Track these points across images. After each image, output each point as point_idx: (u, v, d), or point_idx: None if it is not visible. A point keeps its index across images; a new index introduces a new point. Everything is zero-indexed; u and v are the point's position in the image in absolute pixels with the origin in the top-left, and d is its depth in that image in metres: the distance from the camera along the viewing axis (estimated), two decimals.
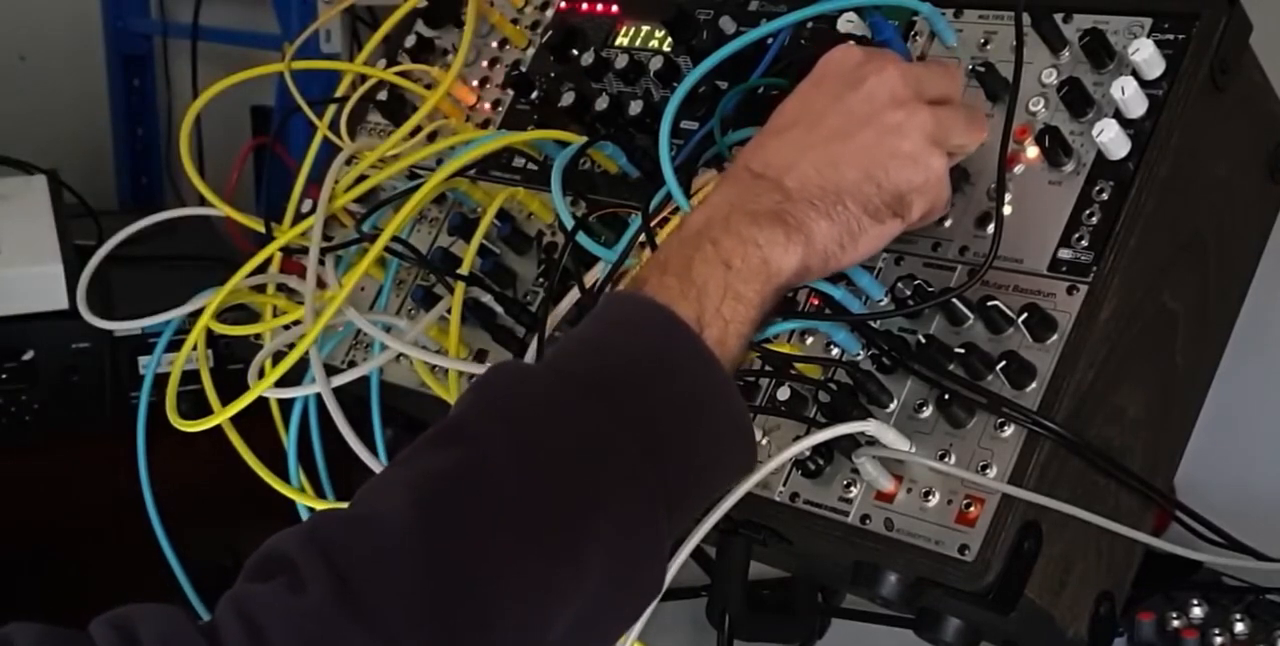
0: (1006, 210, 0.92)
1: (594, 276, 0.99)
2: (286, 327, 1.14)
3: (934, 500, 0.87)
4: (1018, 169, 0.94)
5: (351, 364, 1.16)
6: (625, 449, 0.78)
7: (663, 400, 0.80)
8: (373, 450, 1.08)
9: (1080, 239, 0.90)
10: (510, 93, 1.21)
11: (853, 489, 0.90)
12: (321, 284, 1.12)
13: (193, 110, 1.23)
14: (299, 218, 1.21)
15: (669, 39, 1.12)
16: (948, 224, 0.95)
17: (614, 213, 1.03)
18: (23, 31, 2.52)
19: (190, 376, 1.14)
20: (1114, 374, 0.89)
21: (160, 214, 1.29)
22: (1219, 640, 1.31)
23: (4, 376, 1.65)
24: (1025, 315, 0.87)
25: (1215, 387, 0.99)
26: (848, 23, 0.99)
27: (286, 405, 1.14)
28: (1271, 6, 0.99)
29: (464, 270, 1.09)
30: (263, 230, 1.20)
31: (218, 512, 1.61)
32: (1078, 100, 0.92)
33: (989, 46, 0.98)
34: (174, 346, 1.21)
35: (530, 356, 0.99)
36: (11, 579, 1.62)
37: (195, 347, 1.15)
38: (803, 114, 0.90)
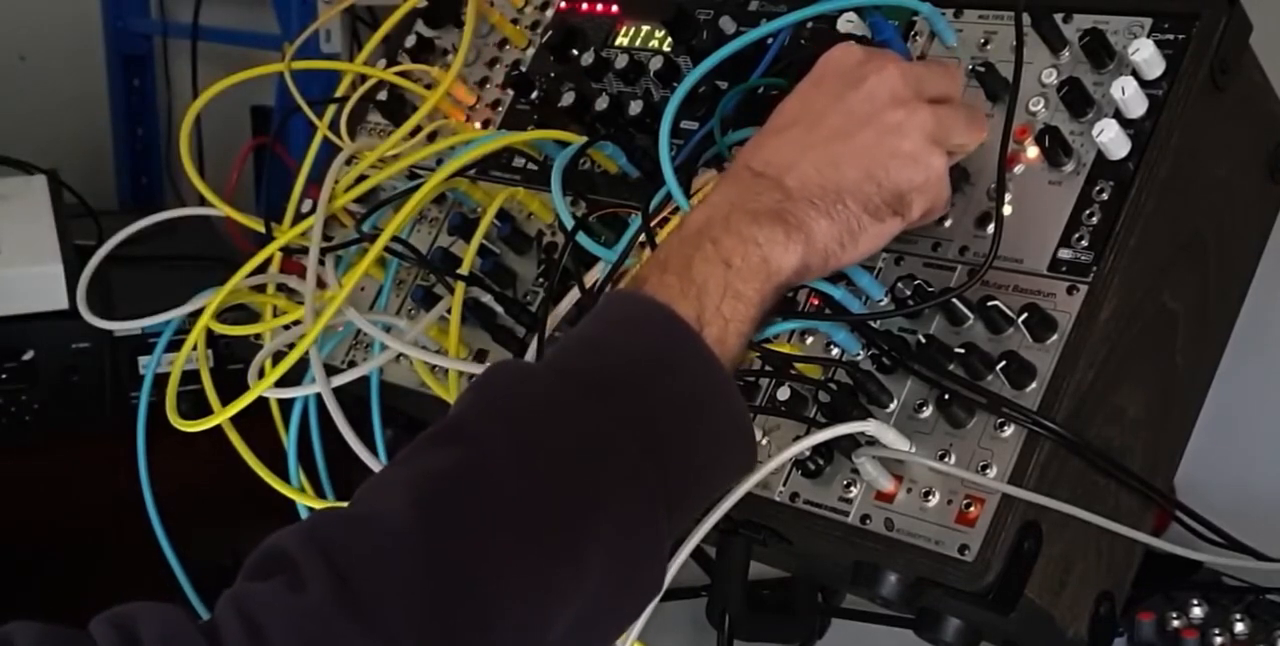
0: (1006, 210, 0.92)
1: (594, 276, 0.99)
2: (286, 327, 1.14)
3: (934, 500, 0.87)
4: (1018, 169, 0.94)
5: (351, 364, 1.16)
6: (625, 448, 0.78)
7: (663, 399, 0.81)
8: (373, 450, 1.08)
9: (1080, 239, 0.90)
10: (510, 93, 1.21)
11: (853, 489, 0.90)
12: (321, 284, 1.12)
13: (193, 110, 1.23)
14: (299, 218, 1.21)
15: (669, 39, 1.12)
16: (948, 224, 0.95)
17: (614, 213, 1.03)
18: (23, 31, 2.52)
19: (190, 376, 1.14)
20: (1114, 374, 0.89)
21: (160, 214, 1.29)
22: (1219, 640, 1.31)
23: (4, 376, 1.65)
24: (1025, 315, 0.87)
25: (1215, 387, 0.99)
26: (848, 23, 0.99)
27: (286, 405, 1.14)
28: (1271, 6, 0.99)
29: (464, 270, 1.09)
30: (263, 230, 1.20)
31: (218, 512, 1.61)
32: (1078, 100, 0.92)
33: (989, 46, 0.98)
34: (174, 346, 1.21)
35: (530, 356, 0.99)
36: (11, 579, 1.62)
37: (195, 347, 1.15)
38: (803, 113, 0.90)
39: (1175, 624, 1.34)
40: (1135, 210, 0.89)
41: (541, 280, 1.10)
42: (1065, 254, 0.90)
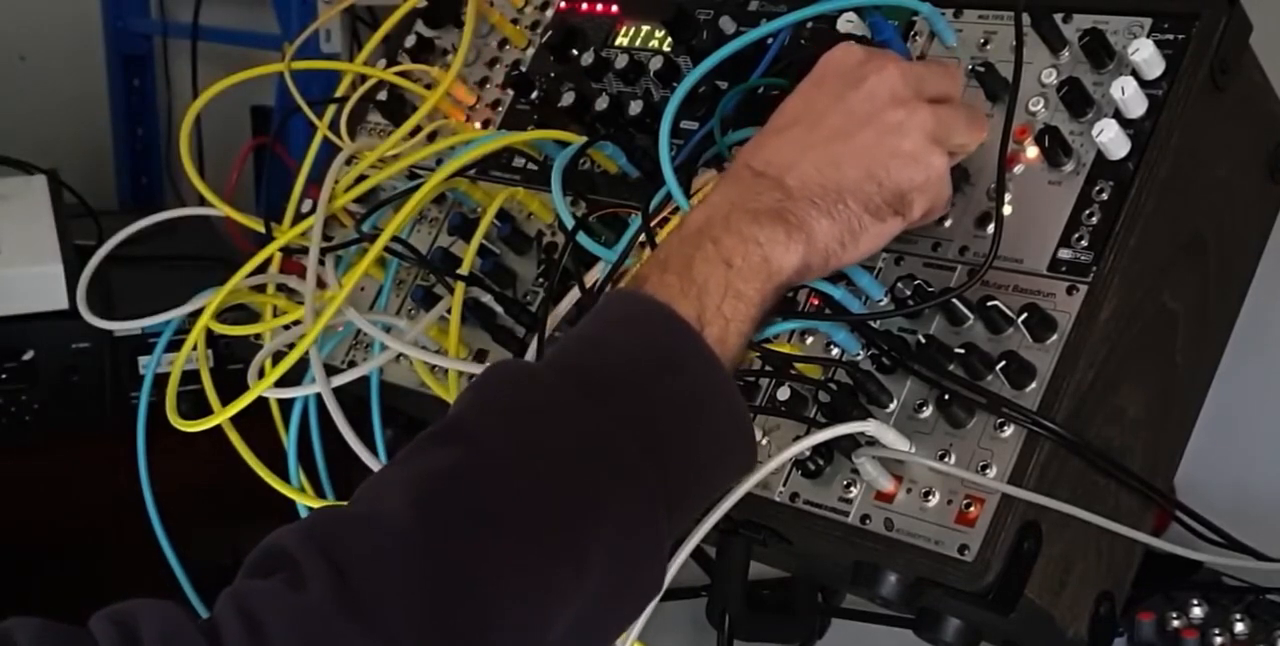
0: (1006, 210, 0.92)
1: (594, 276, 0.99)
2: (286, 327, 1.14)
3: (934, 500, 0.87)
4: (1018, 169, 0.94)
5: (351, 364, 1.16)
6: (625, 447, 0.78)
7: (663, 398, 0.80)
8: (373, 450, 1.08)
9: (1080, 239, 0.90)
10: (510, 93, 1.21)
11: (853, 489, 0.90)
12: (321, 284, 1.12)
13: (193, 110, 1.23)
14: (299, 218, 1.21)
15: (669, 39, 1.12)
16: (948, 224, 0.95)
17: (614, 213, 1.03)
18: (23, 31, 2.52)
19: (190, 376, 1.14)
20: (1114, 374, 0.89)
21: (160, 214, 1.29)
22: (1219, 640, 1.31)
23: (4, 376, 1.65)
24: (1025, 315, 0.87)
25: (1215, 387, 0.99)
26: (847, 23, 0.99)
27: (286, 405, 1.14)
28: (1271, 6, 0.99)
29: (464, 270, 1.09)
30: (263, 230, 1.20)
31: (218, 512, 1.61)
32: (1077, 100, 0.92)
33: (989, 46, 0.98)
34: (174, 346, 1.21)
35: (530, 356, 0.99)
36: (11, 579, 1.62)
37: (195, 347, 1.15)
38: (804, 113, 0.90)
39: (1175, 624, 1.34)
40: (1135, 210, 0.89)
41: (541, 280, 1.10)
42: (1065, 254, 0.90)
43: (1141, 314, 0.90)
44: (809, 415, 0.92)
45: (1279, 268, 1.04)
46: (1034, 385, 0.87)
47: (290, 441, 1.13)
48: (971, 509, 0.86)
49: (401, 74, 1.24)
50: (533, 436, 0.78)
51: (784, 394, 0.93)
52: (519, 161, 1.17)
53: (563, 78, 1.17)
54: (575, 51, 1.17)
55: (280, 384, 1.08)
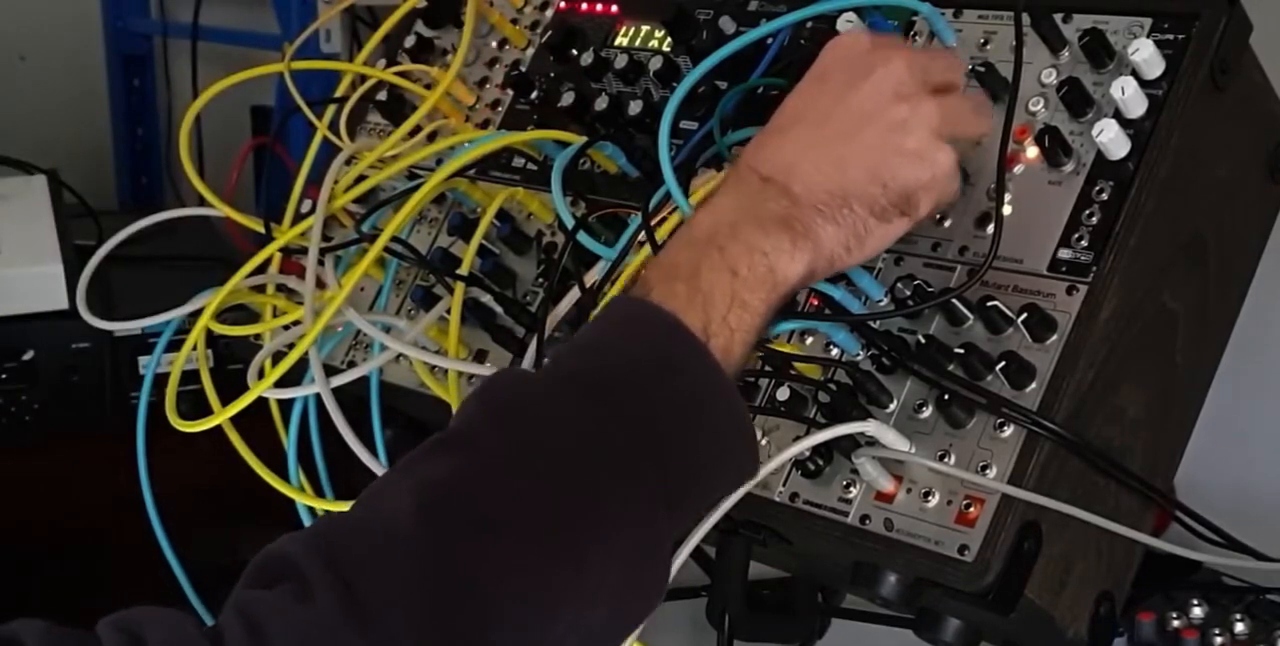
0: (1006, 210, 0.92)
1: (594, 276, 0.99)
2: (286, 328, 1.14)
3: (934, 500, 0.87)
4: (1017, 169, 0.94)
5: (351, 364, 1.16)
6: (624, 448, 0.78)
7: (663, 401, 0.80)
8: (372, 450, 1.08)
9: (1080, 239, 0.90)
10: (510, 93, 1.21)
11: (852, 489, 0.90)
12: (321, 284, 1.12)
13: (193, 110, 1.23)
14: (299, 218, 1.21)
15: (669, 39, 1.12)
16: (948, 224, 0.95)
17: (614, 213, 1.03)
18: (23, 31, 2.51)
19: (190, 376, 1.13)
20: (1114, 374, 0.89)
21: (160, 214, 1.29)
22: (1219, 640, 1.31)
23: (4, 376, 1.65)
24: (1025, 315, 0.87)
25: (1215, 387, 0.99)
26: (847, 23, 0.99)
27: (286, 405, 1.14)
28: (1271, 6, 0.99)
29: (464, 270, 1.09)
30: (262, 230, 1.20)
31: (218, 512, 1.61)
32: (1077, 100, 0.92)
33: (989, 46, 0.98)
34: (174, 346, 1.21)
35: (530, 356, 0.99)
36: (12, 579, 1.62)
37: (195, 347, 1.15)
38: (808, 110, 0.89)
39: (1175, 624, 1.34)
40: (1135, 210, 0.89)
41: (541, 280, 1.10)
42: (1065, 254, 0.90)
43: (1141, 314, 0.90)
44: (809, 415, 0.92)
45: (1279, 268, 1.04)
46: (1034, 385, 0.87)
47: (290, 441, 1.13)
48: (971, 509, 0.86)
49: (401, 74, 1.24)
50: (534, 443, 0.78)
51: (784, 394, 0.93)
52: (519, 161, 1.17)
53: (562, 78, 1.17)
54: (575, 51, 1.17)
55: (280, 384, 1.08)
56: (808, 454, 0.91)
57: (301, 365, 1.08)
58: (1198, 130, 0.91)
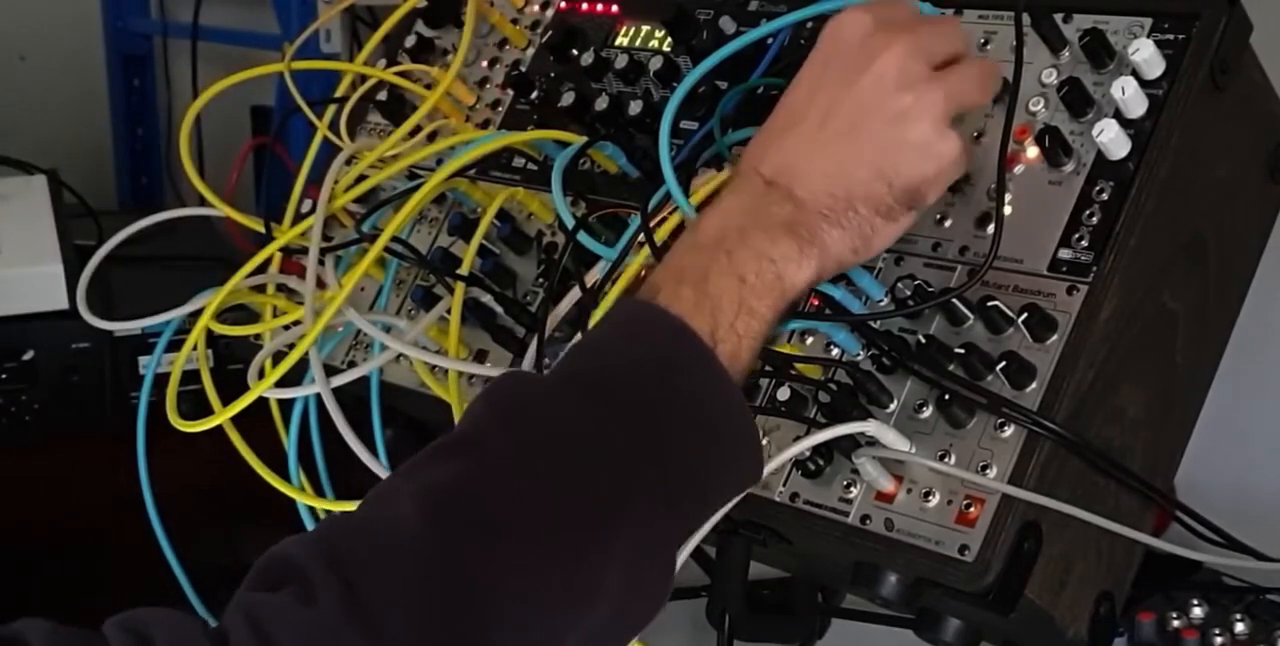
0: (1006, 210, 0.92)
1: (594, 276, 0.99)
2: (286, 328, 1.14)
3: (934, 500, 0.87)
4: (1018, 169, 0.94)
5: (351, 364, 1.16)
6: (627, 453, 0.78)
7: (668, 406, 0.80)
8: (372, 450, 1.08)
9: (1080, 239, 0.90)
10: (510, 93, 1.21)
11: (853, 489, 0.90)
12: (321, 284, 1.12)
13: (193, 110, 1.23)
14: (299, 218, 1.21)
15: (669, 39, 1.12)
16: (948, 224, 0.95)
17: (614, 213, 1.03)
18: (23, 31, 2.51)
19: (190, 376, 1.13)
20: (1114, 374, 0.89)
21: (160, 214, 1.29)
22: (1219, 640, 1.31)
23: (4, 376, 1.65)
24: (1025, 315, 0.87)
25: (1215, 387, 0.99)
26: None
27: (286, 405, 1.14)
28: (1271, 6, 0.99)
29: (464, 270, 1.09)
30: (263, 230, 1.20)
31: (218, 512, 1.61)
32: (1078, 100, 0.92)
33: (989, 46, 0.98)
34: (174, 346, 1.21)
35: (530, 356, 0.99)
36: (11, 579, 1.62)
37: (195, 347, 1.15)
38: (809, 105, 0.88)
39: (1175, 624, 1.34)
40: (1135, 210, 0.89)
41: (541, 280, 1.10)
42: (1065, 254, 0.90)
43: (1141, 314, 0.90)
44: (809, 415, 0.92)
45: (1279, 268, 1.04)
46: (1034, 385, 0.87)
47: (290, 441, 1.13)
48: (971, 509, 0.86)
49: (401, 74, 1.24)
50: (536, 446, 0.78)
51: (784, 394, 0.93)
52: (519, 161, 1.17)
53: (563, 78, 1.17)
54: (575, 51, 1.17)
55: (280, 384, 1.08)
56: (808, 454, 0.91)
57: (302, 365, 1.08)
58: (1198, 130, 0.91)
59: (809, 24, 1.03)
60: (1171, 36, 0.91)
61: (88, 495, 1.67)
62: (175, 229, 1.41)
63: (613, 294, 0.95)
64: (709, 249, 0.85)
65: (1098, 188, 0.90)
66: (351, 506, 0.80)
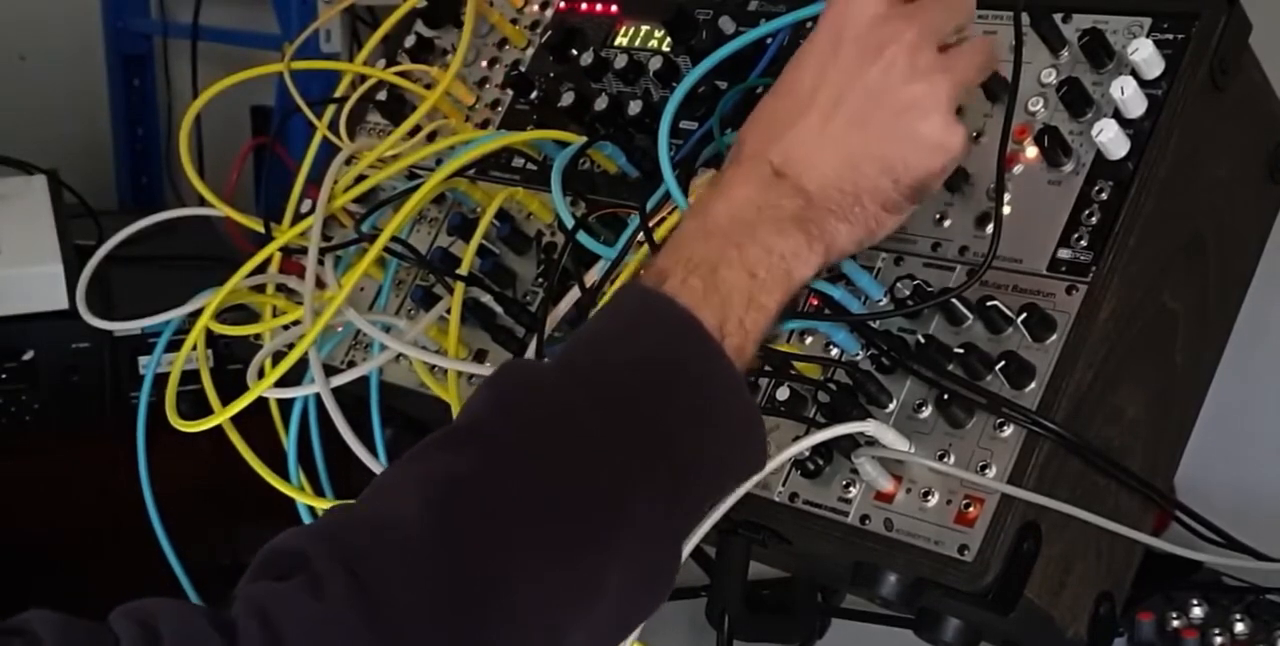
0: (1006, 210, 0.92)
1: (594, 276, 0.99)
2: (286, 328, 1.14)
3: (933, 500, 0.87)
4: (1017, 169, 0.94)
5: (351, 364, 1.16)
6: (633, 446, 0.78)
7: (674, 400, 0.80)
8: (372, 450, 1.08)
9: (1079, 239, 0.90)
10: (510, 93, 1.21)
11: (852, 489, 0.90)
12: (321, 284, 1.12)
13: (193, 110, 1.23)
14: (298, 218, 1.21)
15: (668, 39, 1.12)
16: (948, 224, 0.95)
17: (614, 213, 1.03)
18: (23, 31, 2.52)
19: (190, 376, 1.13)
20: (1113, 374, 0.89)
21: (160, 214, 1.29)
22: (1219, 640, 1.31)
23: (4, 376, 1.65)
24: (1024, 315, 0.87)
25: (1215, 387, 0.99)
26: None
27: (286, 405, 1.14)
28: (1271, 6, 0.99)
29: (463, 270, 1.09)
30: (262, 230, 1.20)
31: (218, 512, 1.61)
32: (1077, 100, 0.92)
33: None
34: (174, 346, 1.20)
35: (529, 356, 0.99)
36: (11, 578, 1.62)
37: (195, 347, 1.15)
38: (818, 90, 0.87)
39: (1175, 624, 1.34)
40: (1135, 210, 0.89)
41: (541, 280, 1.10)
42: (1064, 254, 0.90)
43: (1141, 314, 0.90)
44: (809, 415, 0.92)
45: (1279, 268, 1.04)
46: (1033, 385, 0.87)
47: (290, 441, 1.13)
48: (971, 509, 0.86)
49: (401, 74, 1.24)
50: (541, 438, 0.78)
51: (783, 394, 0.93)
52: (518, 161, 1.17)
53: (562, 78, 1.17)
54: (575, 51, 1.17)
55: (280, 384, 1.08)
56: (807, 454, 0.91)
57: (301, 365, 1.08)
58: (1197, 130, 0.91)
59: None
60: (1171, 36, 0.91)
61: (87, 495, 1.67)
62: (175, 229, 1.41)
63: (611, 294, 0.95)
64: (718, 240, 0.85)
65: (1097, 187, 0.90)
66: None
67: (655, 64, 1.09)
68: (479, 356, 1.10)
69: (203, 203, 1.28)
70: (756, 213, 0.85)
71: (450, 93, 1.21)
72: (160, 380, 1.20)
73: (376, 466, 1.06)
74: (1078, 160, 0.92)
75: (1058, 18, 0.95)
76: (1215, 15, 0.90)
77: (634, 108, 1.08)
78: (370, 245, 1.08)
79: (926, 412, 0.89)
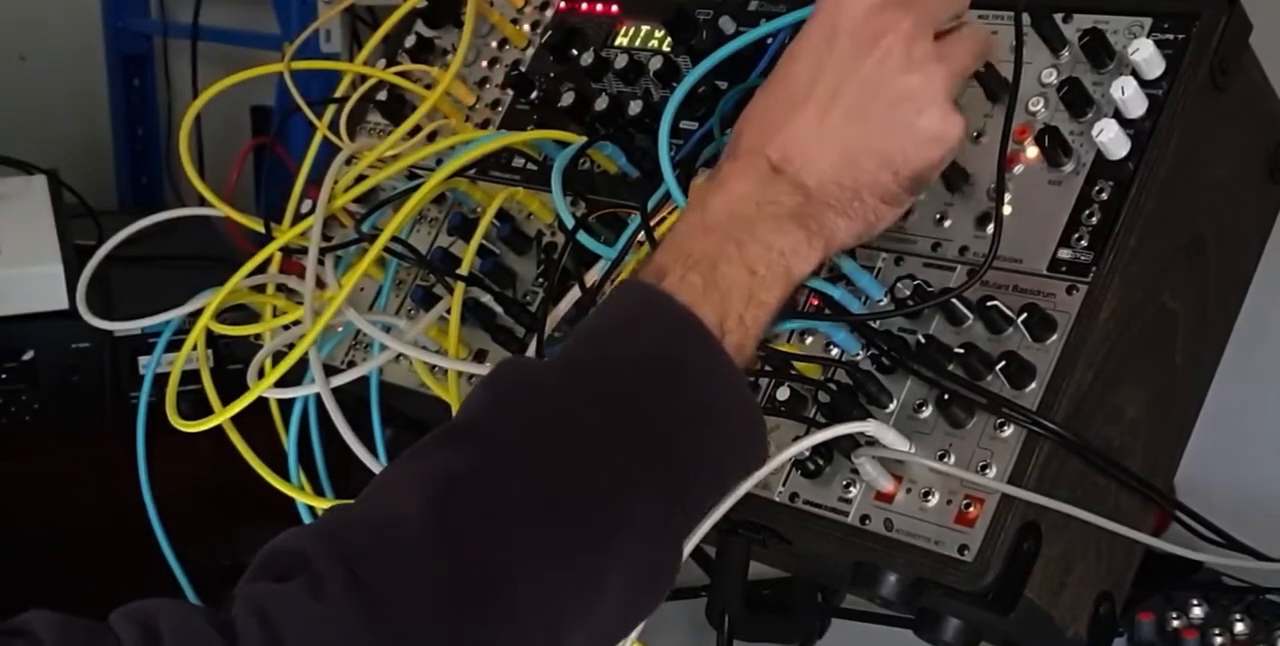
0: (1006, 210, 0.92)
1: (594, 276, 0.99)
2: (286, 328, 1.14)
3: (933, 500, 0.87)
4: (1017, 169, 0.94)
5: (351, 364, 1.16)
6: (633, 444, 0.77)
7: (674, 399, 0.80)
8: (372, 450, 1.08)
9: (1080, 239, 0.90)
10: (510, 93, 1.21)
11: (852, 489, 0.90)
12: (321, 284, 1.12)
13: (193, 110, 1.23)
14: (298, 218, 1.21)
15: (669, 39, 1.12)
16: (948, 224, 0.95)
17: (614, 213, 1.03)
18: (23, 31, 2.52)
19: (190, 376, 1.13)
20: (1113, 374, 0.89)
21: (160, 214, 1.29)
22: (1219, 640, 1.31)
23: (4, 376, 1.65)
24: (1025, 315, 0.87)
25: (1215, 387, 0.99)
26: None
27: (286, 405, 1.14)
28: (1271, 6, 0.99)
29: (464, 270, 1.09)
30: (262, 230, 1.20)
31: (218, 512, 1.61)
32: (1077, 100, 0.92)
33: None
34: (174, 346, 1.21)
35: (530, 356, 0.99)
36: (10, 578, 1.62)
37: (195, 347, 1.15)
38: (815, 83, 0.87)
39: (1175, 624, 1.34)
40: (1135, 210, 0.89)
41: (541, 280, 1.10)
42: (1065, 254, 0.90)
43: (1141, 314, 0.90)
44: (809, 415, 0.92)
45: (1279, 268, 1.04)
46: (1034, 385, 0.87)
47: (290, 441, 1.13)
48: (971, 509, 0.86)
49: (401, 74, 1.24)
50: (541, 436, 0.77)
51: (783, 394, 0.93)
52: (519, 161, 1.17)
53: (562, 78, 1.17)
54: (575, 51, 1.17)
55: (280, 384, 1.08)
56: (808, 454, 0.91)
57: (301, 365, 1.08)
58: (1198, 130, 0.91)
59: None
60: (1171, 36, 0.91)
61: (87, 495, 1.67)
62: (175, 229, 1.41)
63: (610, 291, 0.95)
64: (717, 235, 0.84)
65: (1097, 187, 0.90)
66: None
67: (655, 64, 1.09)
68: (479, 356, 1.10)
69: (203, 203, 1.28)
70: (755, 209, 0.85)
71: (450, 93, 1.21)
72: (160, 380, 1.20)
73: (376, 466, 1.06)
74: (1078, 160, 0.92)
75: (1058, 18, 0.95)
76: (1215, 15, 0.90)
77: (634, 108, 1.08)
78: (370, 245, 1.08)
79: (927, 412, 0.89)
